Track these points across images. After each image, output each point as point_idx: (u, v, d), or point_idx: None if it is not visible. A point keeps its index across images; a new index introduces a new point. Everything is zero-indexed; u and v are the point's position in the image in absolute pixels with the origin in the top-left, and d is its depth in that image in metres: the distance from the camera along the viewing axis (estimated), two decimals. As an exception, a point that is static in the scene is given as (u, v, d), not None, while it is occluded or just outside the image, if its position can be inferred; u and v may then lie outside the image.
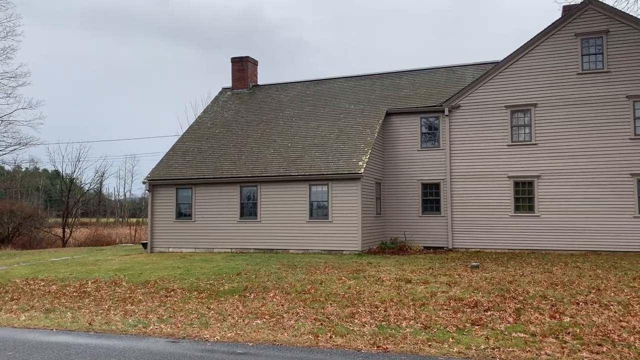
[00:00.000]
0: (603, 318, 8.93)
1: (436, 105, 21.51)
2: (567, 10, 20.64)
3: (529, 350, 7.38)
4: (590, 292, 11.02)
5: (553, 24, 20.06)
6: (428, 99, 22.25)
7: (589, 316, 9.08)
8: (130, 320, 9.95)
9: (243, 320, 9.59)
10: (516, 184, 20.27)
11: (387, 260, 17.31)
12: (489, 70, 20.95)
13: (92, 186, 52.63)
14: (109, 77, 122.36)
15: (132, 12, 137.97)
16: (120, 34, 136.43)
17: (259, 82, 28.19)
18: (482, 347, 7.61)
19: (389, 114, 22.30)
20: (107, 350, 7.93)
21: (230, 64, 27.88)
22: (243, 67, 27.58)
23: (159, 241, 22.46)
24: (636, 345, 7.48)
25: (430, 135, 21.87)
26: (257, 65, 28.46)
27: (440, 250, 20.52)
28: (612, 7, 19.15)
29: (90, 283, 14.23)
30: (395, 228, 21.92)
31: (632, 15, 19.05)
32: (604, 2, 19.50)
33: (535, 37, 20.28)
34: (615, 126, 19.21)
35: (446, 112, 21.22)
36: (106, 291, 13.01)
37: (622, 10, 18.94)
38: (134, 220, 53.86)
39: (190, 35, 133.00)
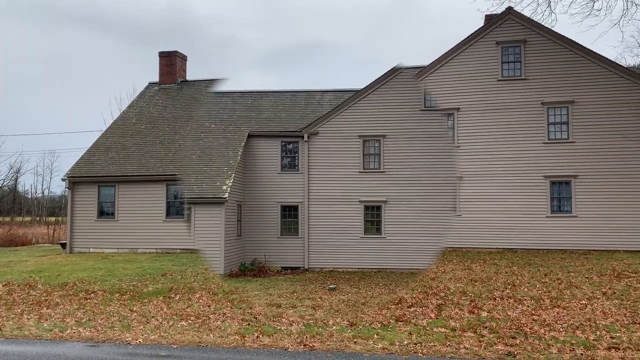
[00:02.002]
0: (517, 312, 9.46)
1: (296, 131, 21.91)
2: (489, 19, 21.65)
3: (449, 345, 7.68)
4: (506, 288, 11.63)
5: (476, 32, 20.97)
6: (289, 123, 22.58)
7: (504, 311, 9.59)
8: (45, 325, 9.44)
9: (167, 322, 9.35)
10: (366, 207, 21.18)
11: (252, 284, 16.07)
12: (346, 101, 21.66)
13: (5, 183, 49.51)
14: (27, 69, 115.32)
15: (52, 1, 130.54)
16: (39, 24, 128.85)
17: (188, 78, 27.54)
18: (405, 342, 7.84)
19: (250, 136, 22.20)
20: (18, 357, 7.48)
21: (158, 58, 27.07)
22: (171, 61, 26.81)
23: (79, 241, 21.41)
24: (546, 337, 7.97)
25: (291, 159, 22.24)
26: (186, 60, 27.77)
27: (297, 271, 20.69)
28: (529, 18, 20.25)
29: (1, 286, 13.35)
30: (254, 249, 21.70)
31: (547, 27, 20.23)
32: (522, 13, 20.63)
33: (458, 44, 21.10)
34: (531, 131, 20.36)
35: (305, 138, 21.70)
36: (19, 294, 12.27)
37: (538, 21, 20.10)
38: (53, 219, 50.97)
39: (115, 27, 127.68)
